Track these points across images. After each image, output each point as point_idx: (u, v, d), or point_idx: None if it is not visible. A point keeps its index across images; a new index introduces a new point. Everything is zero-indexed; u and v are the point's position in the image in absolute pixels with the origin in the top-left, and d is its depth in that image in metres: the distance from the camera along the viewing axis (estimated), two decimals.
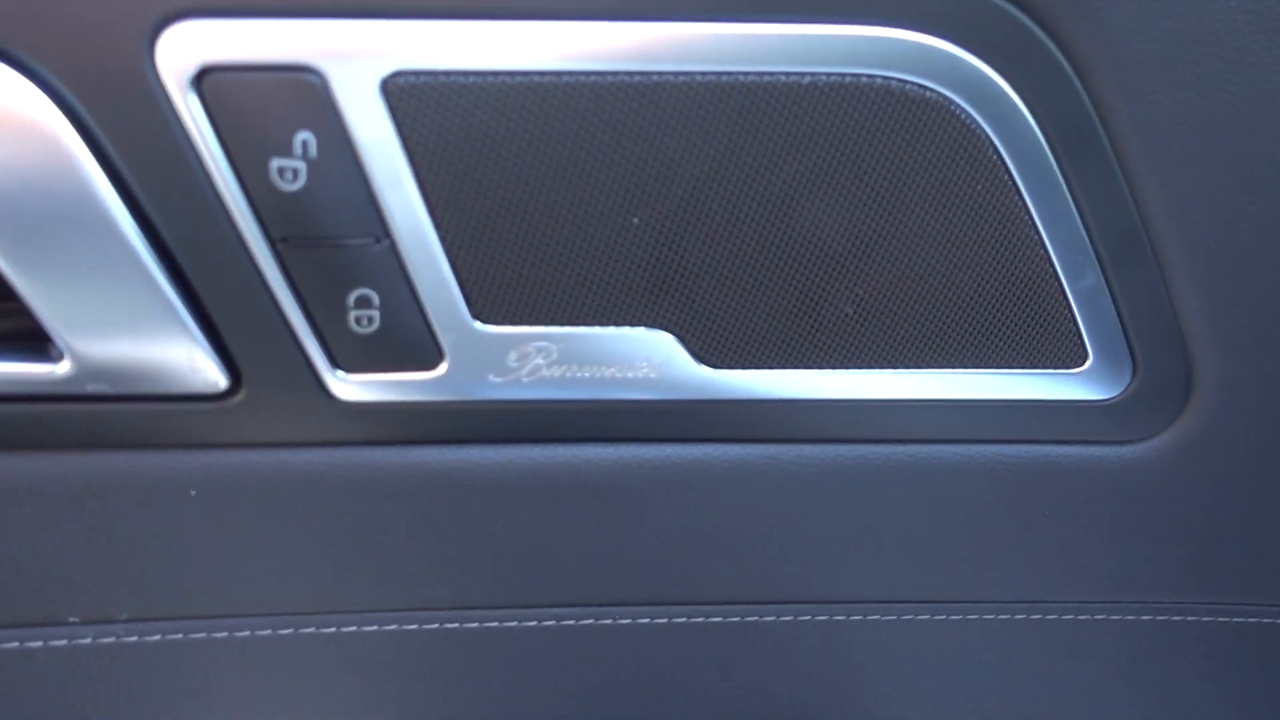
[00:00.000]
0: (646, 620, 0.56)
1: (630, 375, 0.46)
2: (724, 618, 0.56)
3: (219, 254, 0.42)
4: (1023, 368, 0.48)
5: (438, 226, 0.42)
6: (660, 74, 0.40)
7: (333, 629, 0.53)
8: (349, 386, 0.46)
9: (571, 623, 0.55)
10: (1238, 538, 0.55)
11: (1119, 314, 0.46)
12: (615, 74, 0.40)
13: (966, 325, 0.47)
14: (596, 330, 0.45)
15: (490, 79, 0.39)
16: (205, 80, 0.38)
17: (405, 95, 0.39)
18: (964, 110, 0.41)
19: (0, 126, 0.38)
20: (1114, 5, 0.40)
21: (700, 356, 0.47)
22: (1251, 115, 0.42)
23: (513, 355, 0.45)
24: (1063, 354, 0.48)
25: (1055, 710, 0.62)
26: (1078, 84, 0.41)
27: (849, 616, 0.57)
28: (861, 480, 0.51)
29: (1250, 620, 0.58)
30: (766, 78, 0.41)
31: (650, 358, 0.46)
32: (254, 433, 0.47)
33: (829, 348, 0.47)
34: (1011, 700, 0.61)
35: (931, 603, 0.57)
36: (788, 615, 0.57)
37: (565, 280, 0.44)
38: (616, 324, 0.45)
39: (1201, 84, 0.41)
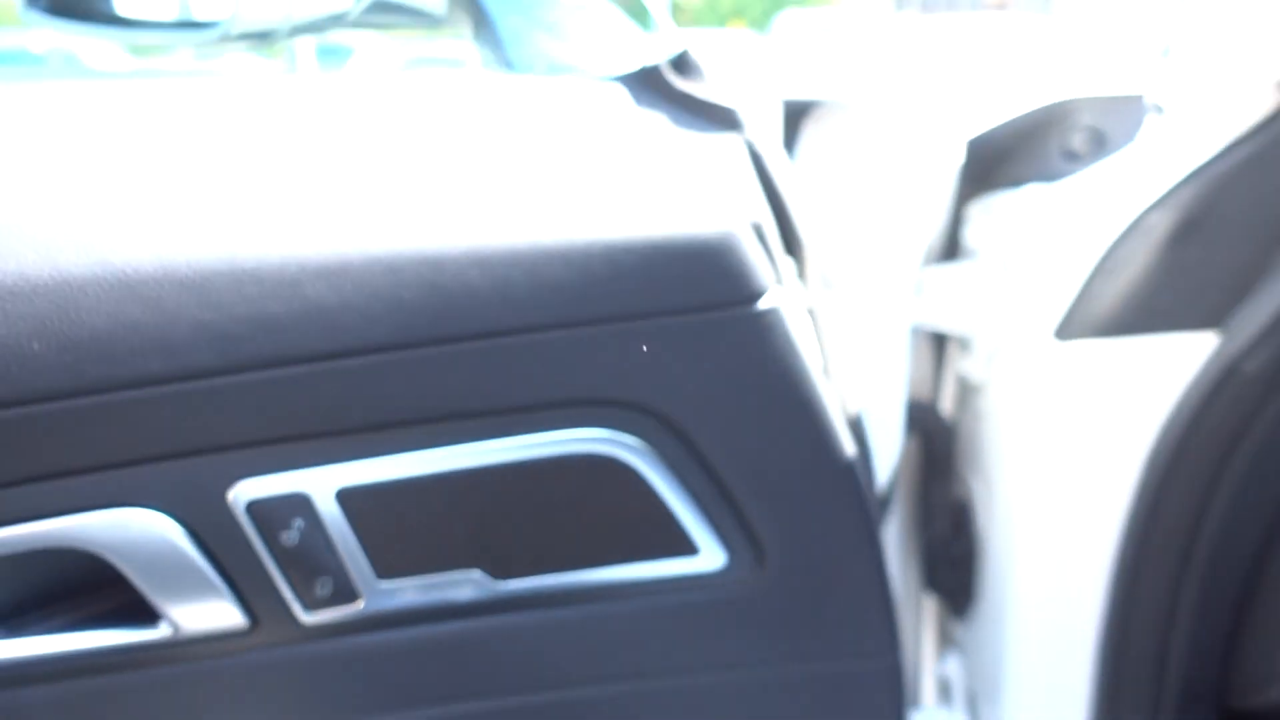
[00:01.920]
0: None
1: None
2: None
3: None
4: (654, 559, 0.68)
5: None
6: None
7: None
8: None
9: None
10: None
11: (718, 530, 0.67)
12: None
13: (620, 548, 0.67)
14: None
15: None
16: None
17: None
18: (622, 463, 0.65)
19: None
20: (690, 416, 0.64)
21: None
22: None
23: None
24: (680, 550, 0.68)
25: None
26: (681, 440, 0.66)
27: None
28: None
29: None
30: (502, 466, 0.63)
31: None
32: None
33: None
34: None
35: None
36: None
37: None
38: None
39: (727, 426, 0.65)
